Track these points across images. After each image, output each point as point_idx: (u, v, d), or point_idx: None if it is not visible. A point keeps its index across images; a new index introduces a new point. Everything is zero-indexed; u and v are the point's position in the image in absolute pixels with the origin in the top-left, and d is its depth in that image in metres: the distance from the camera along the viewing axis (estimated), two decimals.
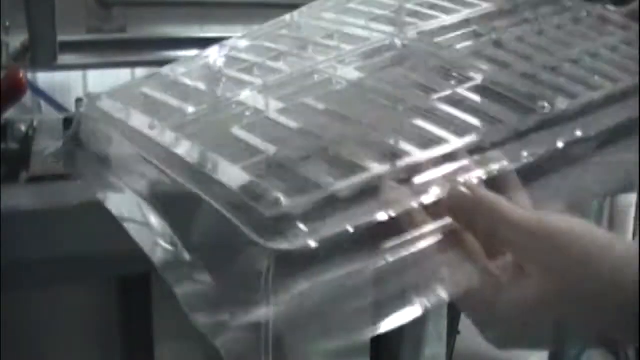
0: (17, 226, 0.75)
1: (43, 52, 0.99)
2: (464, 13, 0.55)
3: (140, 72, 1.99)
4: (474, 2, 0.57)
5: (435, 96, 0.43)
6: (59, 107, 1.69)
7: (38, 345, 0.80)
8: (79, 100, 0.96)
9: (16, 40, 0.98)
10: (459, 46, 0.50)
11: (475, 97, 0.44)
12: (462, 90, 0.44)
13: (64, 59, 1.01)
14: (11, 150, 0.89)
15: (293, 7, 1.16)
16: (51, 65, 1.02)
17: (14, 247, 0.76)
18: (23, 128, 0.96)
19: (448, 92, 0.44)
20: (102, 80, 1.79)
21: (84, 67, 1.18)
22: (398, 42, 0.57)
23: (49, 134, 0.96)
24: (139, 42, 1.05)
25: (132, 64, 1.17)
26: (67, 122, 0.87)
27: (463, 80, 0.46)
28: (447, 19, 0.54)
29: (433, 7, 0.56)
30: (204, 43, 1.08)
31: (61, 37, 0.99)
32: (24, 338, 0.79)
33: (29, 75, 1.08)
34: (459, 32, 0.52)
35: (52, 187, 0.78)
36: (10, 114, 0.96)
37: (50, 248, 0.74)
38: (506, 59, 0.48)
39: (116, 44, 1.03)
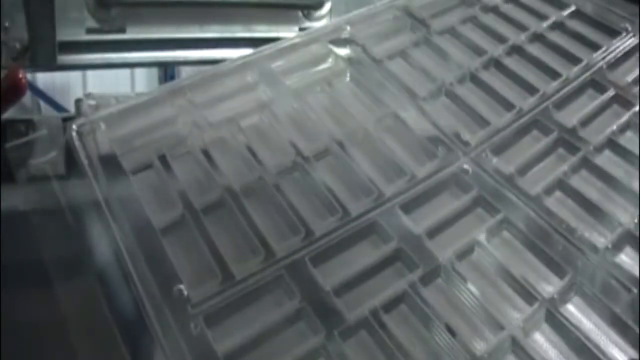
0: (16, 226, 0.75)
1: (43, 52, 0.99)
2: None
3: (139, 72, 1.99)
4: None
5: None
6: (58, 107, 1.70)
7: (38, 345, 0.81)
8: (78, 101, 0.95)
9: (16, 40, 0.97)
10: None
11: None
12: None
13: (63, 59, 1.00)
14: (11, 150, 0.88)
15: (293, 7, 1.14)
16: (51, 65, 1.01)
17: (13, 246, 0.77)
18: (23, 128, 0.96)
19: None
20: (102, 80, 1.79)
21: (84, 67, 1.17)
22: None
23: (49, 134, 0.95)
24: (138, 42, 1.03)
25: (132, 64, 1.16)
26: (67, 121, 0.86)
27: None
28: None
29: None
30: (204, 43, 1.08)
31: (61, 37, 0.98)
32: (23, 338, 0.80)
33: (29, 76, 1.07)
34: None
35: (52, 187, 0.77)
36: (10, 114, 0.96)
37: (48, 248, 0.74)
38: None
39: (116, 44, 1.02)
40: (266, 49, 0.86)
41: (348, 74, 0.85)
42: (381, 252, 0.64)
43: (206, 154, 0.73)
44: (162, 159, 0.72)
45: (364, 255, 0.64)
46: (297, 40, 0.87)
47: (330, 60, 0.86)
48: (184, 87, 0.80)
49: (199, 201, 0.67)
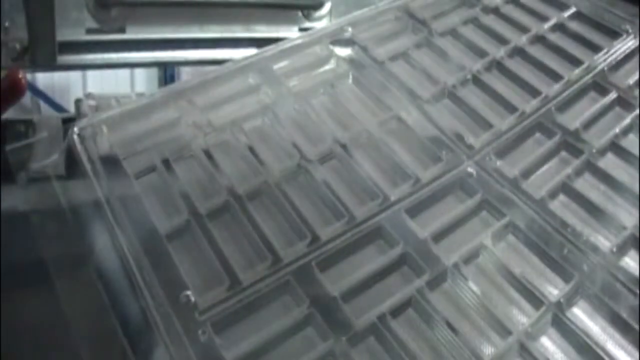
0: (16, 226, 0.75)
1: (42, 52, 0.98)
2: None
3: (139, 72, 1.97)
4: None
5: None
6: (58, 108, 1.69)
7: (38, 346, 0.81)
8: (78, 101, 0.95)
9: (16, 40, 0.96)
10: None
11: None
12: None
13: (63, 59, 0.99)
14: (11, 152, 0.88)
15: (293, 7, 1.13)
16: (50, 65, 1.00)
17: (13, 246, 0.77)
18: (23, 128, 0.96)
19: None
20: (102, 80, 1.78)
21: (83, 67, 1.17)
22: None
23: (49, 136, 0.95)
24: (138, 42, 1.02)
25: (132, 65, 1.15)
26: (66, 122, 0.85)
27: None
28: None
29: None
30: (204, 43, 1.07)
31: (61, 37, 0.97)
32: (24, 338, 0.80)
33: (29, 76, 1.07)
34: None
35: (52, 188, 0.77)
36: (9, 114, 0.95)
37: (48, 248, 0.74)
38: None
39: (115, 44, 1.01)
40: (267, 50, 0.85)
41: (350, 76, 0.85)
42: (387, 256, 0.64)
43: (210, 157, 0.73)
44: (166, 162, 0.72)
45: (370, 260, 0.64)
46: (299, 41, 0.87)
47: (332, 62, 0.86)
48: (185, 89, 0.79)
49: (203, 206, 0.67)
